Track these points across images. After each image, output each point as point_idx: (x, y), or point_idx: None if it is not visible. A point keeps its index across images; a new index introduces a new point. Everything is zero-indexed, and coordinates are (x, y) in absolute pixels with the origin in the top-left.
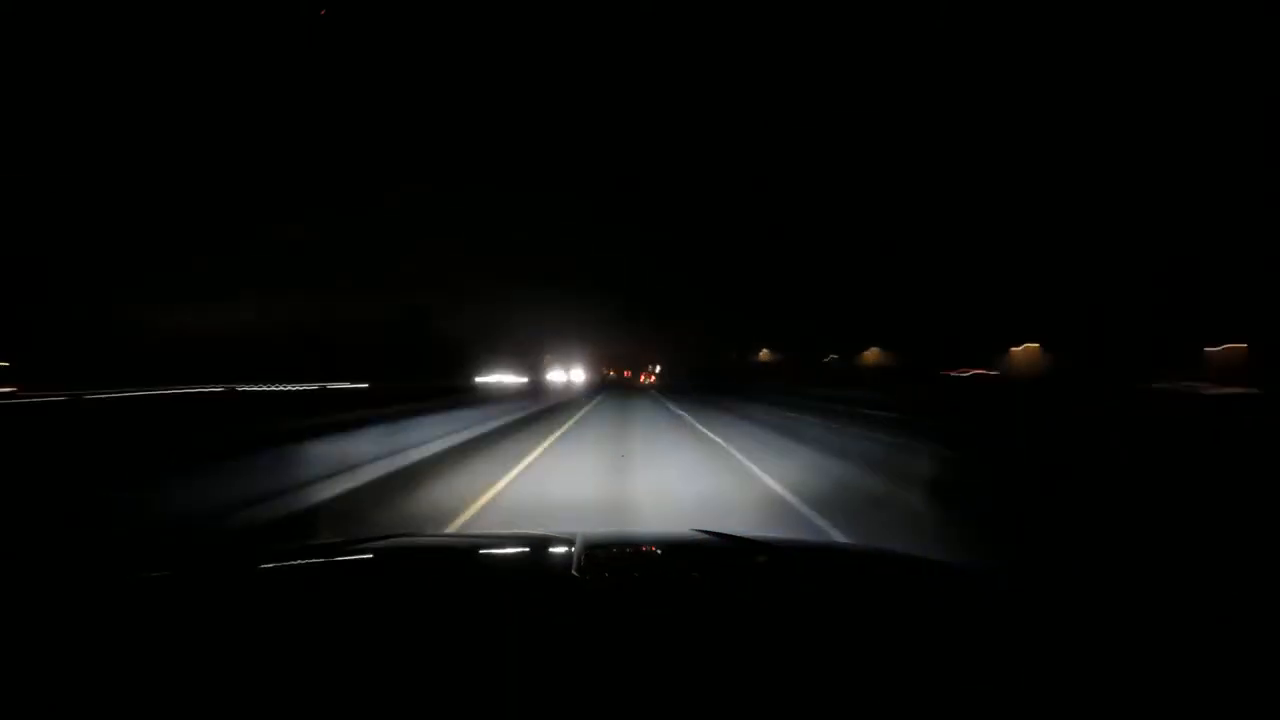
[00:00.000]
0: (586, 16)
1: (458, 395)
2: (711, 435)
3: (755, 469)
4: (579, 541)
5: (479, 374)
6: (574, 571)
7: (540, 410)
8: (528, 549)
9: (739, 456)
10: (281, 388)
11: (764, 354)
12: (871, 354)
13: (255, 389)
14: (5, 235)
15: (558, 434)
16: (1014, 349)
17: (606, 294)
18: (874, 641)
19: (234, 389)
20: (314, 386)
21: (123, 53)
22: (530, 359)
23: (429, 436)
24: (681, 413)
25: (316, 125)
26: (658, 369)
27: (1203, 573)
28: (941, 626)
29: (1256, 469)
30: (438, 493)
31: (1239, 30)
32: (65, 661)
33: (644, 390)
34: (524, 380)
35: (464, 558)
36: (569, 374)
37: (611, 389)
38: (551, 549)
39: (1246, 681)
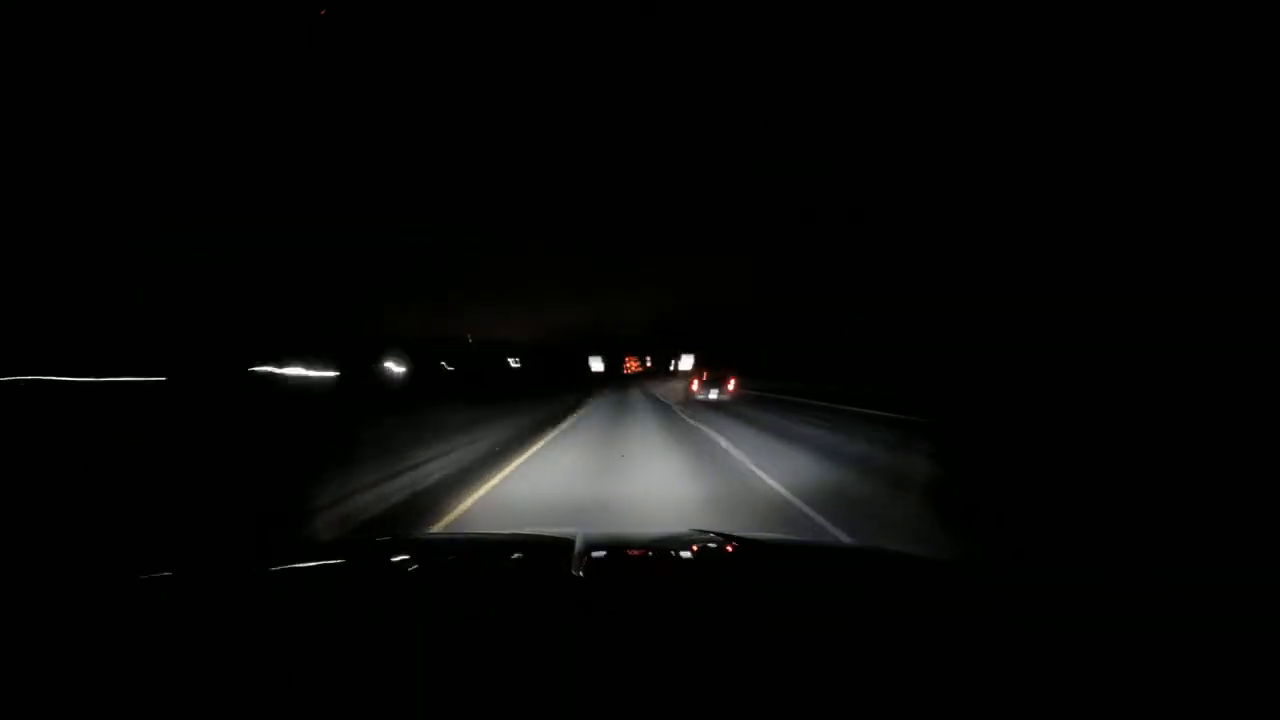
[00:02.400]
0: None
1: None
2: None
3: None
4: (579, 541)
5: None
6: (574, 571)
7: None
8: (528, 549)
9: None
10: None
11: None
12: None
13: None
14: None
15: None
16: None
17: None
18: (872, 641)
19: None
20: None
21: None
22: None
23: None
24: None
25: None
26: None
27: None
28: (940, 626)
29: None
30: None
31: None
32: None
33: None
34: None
35: (465, 557)
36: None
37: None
38: (552, 549)
39: (1242, 678)
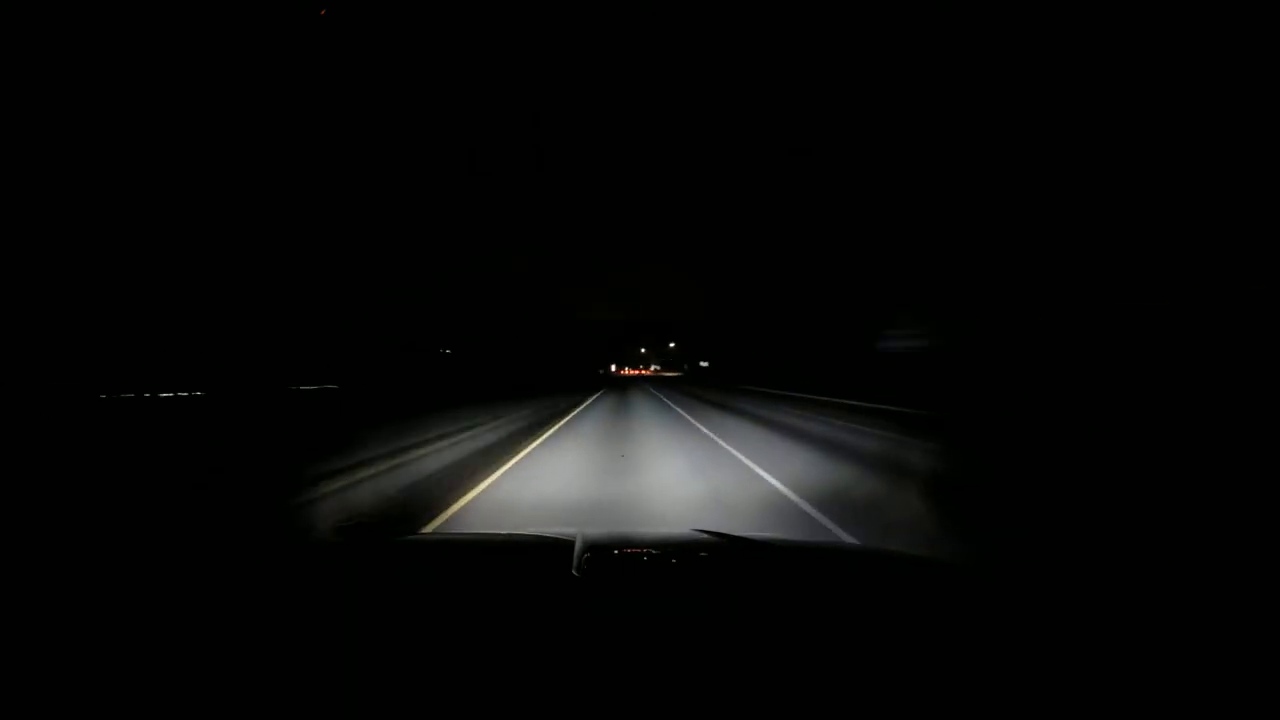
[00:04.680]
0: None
1: None
2: None
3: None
4: (579, 541)
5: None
6: (574, 571)
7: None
8: (528, 549)
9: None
10: None
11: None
12: None
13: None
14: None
15: None
16: None
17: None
18: (873, 641)
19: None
20: None
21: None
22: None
23: None
24: None
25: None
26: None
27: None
28: (940, 626)
29: None
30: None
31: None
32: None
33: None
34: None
35: (464, 558)
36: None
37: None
38: (552, 549)
39: (1242, 678)
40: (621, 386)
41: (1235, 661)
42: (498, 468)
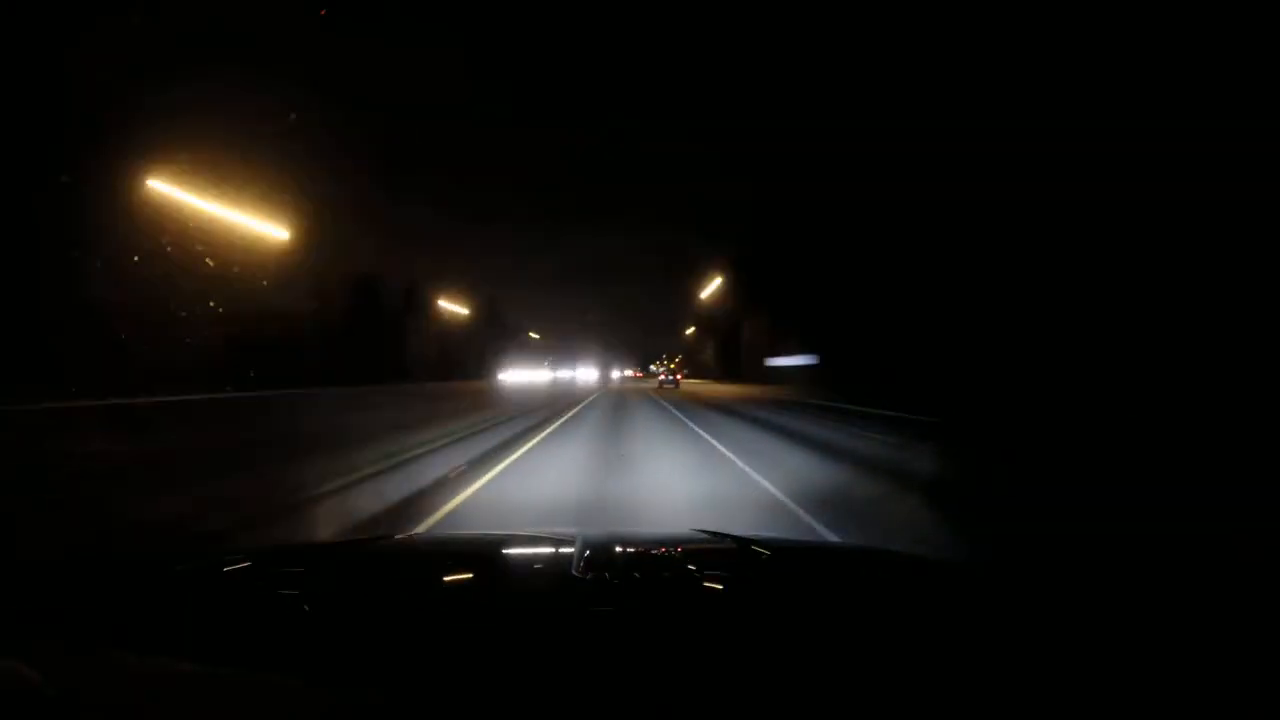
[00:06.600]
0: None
1: None
2: None
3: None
4: (579, 541)
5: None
6: (574, 571)
7: None
8: (528, 549)
9: None
10: None
11: None
12: None
13: None
14: None
15: None
16: None
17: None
18: (872, 641)
19: None
20: None
21: None
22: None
23: None
24: None
25: None
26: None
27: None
28: (940, 626)
29: None
30: None
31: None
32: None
33: None
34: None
35: (463, 558)
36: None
37: None
38: (551, 549)
39: (1240, 679)
40: None
41: (1236, 661)
42: None
